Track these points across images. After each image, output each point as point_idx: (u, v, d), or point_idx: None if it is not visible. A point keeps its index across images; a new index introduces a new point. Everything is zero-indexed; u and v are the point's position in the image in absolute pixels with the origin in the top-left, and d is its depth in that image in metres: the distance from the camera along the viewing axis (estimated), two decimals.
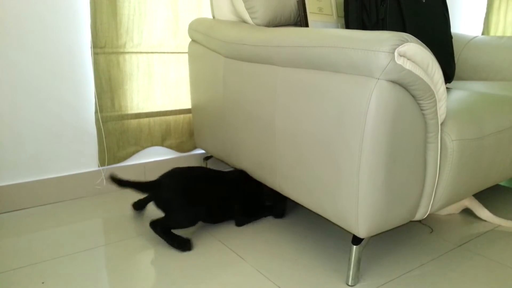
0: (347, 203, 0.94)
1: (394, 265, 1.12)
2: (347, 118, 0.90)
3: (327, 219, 1.35)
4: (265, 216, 1.39)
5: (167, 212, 1.20)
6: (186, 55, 1.67)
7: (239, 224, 1.32)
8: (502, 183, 1.76)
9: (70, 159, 1.49)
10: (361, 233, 0.94)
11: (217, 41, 1.36)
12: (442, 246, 1.23)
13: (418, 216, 1.03)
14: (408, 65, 0.83)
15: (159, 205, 1.21)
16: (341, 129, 0.92)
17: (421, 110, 0.92)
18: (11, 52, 1.31)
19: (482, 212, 1.39)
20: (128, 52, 1.52)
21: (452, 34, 1.74)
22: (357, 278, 1.03)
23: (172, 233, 1.18)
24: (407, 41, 0.83)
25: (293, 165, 1.09)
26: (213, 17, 1.53)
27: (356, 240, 1.00)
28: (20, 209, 1.41)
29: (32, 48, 1.34)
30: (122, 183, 1.20)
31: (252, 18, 1.34)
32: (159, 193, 1.21)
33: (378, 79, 0.84)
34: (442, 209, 1.39)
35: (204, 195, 1.23)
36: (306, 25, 1.36)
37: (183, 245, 1.15)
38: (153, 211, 1.41)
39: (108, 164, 1.56)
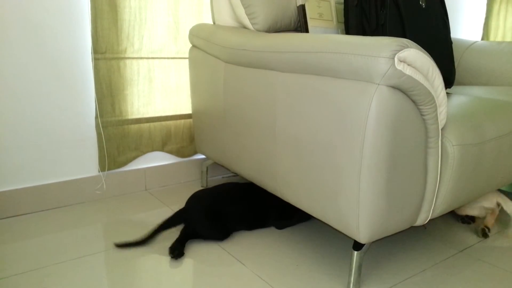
0: (348, 208, 0.94)
1: (396, 270, 1.12)
2: (348, 123, 0.90)
3: (328, 225, 1.34)
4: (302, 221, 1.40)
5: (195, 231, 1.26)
6: (187, 60, 1.67)
7: (279, 227, 1.35)
8: (503, 188, 1.76)
9: (71, 164, 1.49)
10: (362, 239, 0.94)
11: (218, 46, 1.36)
12: (444, 251, 1.23)
13: (419, 222, 1.03)
14: (408, 71, 0.84)
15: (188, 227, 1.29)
16: (341, 135, 0.92)
17: (422, 115, 0.92)
18: (12, 57, 1.32)
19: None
20: (128, 58, 1.53)
21: (452, 39, 1.75)
22: (358, 284, 1.03)
23: (184, 240, 1.21)
24: (407, 47, 0.83)
25: (294, 171, 1.09)
26: (214, 22, 1.54)
27: (357, 246, 1.00)
28: (20, 215, 1.40)
29: (33, 53, 1.35)
30: (152, 234, 1.24)
31: (252, 24, 1.35)
32: (186, 219, 1.29)
33: (379, 84, 0.85)
34: (464, 209, 1.38)
35: (230, 210, 1.29)
36: (306, 30, 1.36)
37: (174, 252, 1.15)
38: (149, 218, 1.41)
39: (108, 169, 1.56)
